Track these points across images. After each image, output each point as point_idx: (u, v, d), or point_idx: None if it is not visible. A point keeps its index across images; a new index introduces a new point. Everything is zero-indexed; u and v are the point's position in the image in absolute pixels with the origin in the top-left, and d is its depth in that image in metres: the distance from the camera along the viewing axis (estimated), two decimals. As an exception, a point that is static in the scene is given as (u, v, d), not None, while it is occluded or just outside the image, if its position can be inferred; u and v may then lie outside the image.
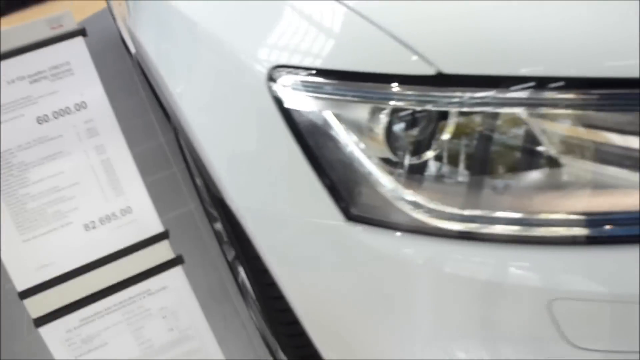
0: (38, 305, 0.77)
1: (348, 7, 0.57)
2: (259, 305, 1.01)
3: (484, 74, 0.48)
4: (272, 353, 1.10)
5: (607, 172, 0.51)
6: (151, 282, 0.82)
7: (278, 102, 0.59)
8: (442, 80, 0.50)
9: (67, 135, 0.76)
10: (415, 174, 0.55)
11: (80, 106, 0.77)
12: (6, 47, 0.75)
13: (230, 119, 0.66)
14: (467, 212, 0.53)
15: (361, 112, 0.55)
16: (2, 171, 0.74)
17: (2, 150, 0.74)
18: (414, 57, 0.50)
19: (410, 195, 0.54)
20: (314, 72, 0.56)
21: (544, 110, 0.49)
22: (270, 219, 0.64)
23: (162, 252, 0.82)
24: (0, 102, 0.74)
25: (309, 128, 0.57)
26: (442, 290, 0.54)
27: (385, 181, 0.55)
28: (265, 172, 0.63)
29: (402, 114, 0.53)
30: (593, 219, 0.50)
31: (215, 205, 0.92)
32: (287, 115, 0.59)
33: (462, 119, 0.52)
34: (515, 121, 0.51)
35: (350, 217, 0.58)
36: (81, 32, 0.78)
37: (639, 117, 0.48)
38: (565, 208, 0.51)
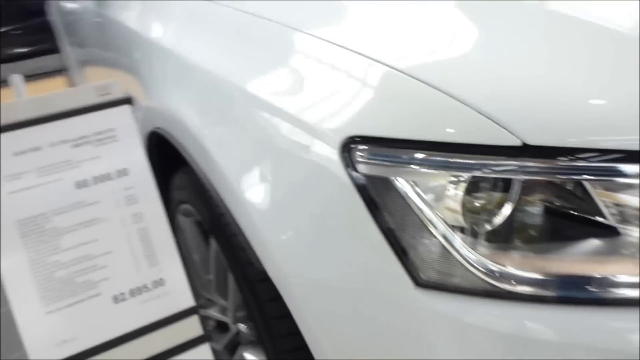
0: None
1: (419, 79, 0.61)
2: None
3: (565, 146, 0.53)
4: None
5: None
6: (177, 361, 0.76)
7: (350, 172, 0.61)
8: (524, 152, 0.54)
9: (105, 202, 0.74)
10: (491, 242, 0.57)
11: (122, 173, 0.75)
12: (53, 110, 0.74)
13: (297, 194, 0.67)
14: (537, 276, 0.56)
15: (440, 180, 0.57)
16: (33, 236, 0.70)
17: (36, 214, 0.70)
18: (501, 130, 0.54)
19: (485, 261, 0.56)
20: (388, 142, 0.59)
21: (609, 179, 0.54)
22: (332, 289, 0.64)
23: (191, 327, 0.77)
24: (38, 164, 0.72)
25: (382, 196, 0.59)
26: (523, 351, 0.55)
27: (460, 247, 0.57)
28: (332, 243, 0.63)
29: (482, 183, 0.56)
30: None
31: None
32: (359, 184, 0.60)
33: (534, 188, 0.56)
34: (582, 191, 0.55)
35: (420, 283, 0.59)
36: (128, 100, 0.78)
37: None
38: (625, 271, 0.55)
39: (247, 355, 1.01)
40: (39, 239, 0.70)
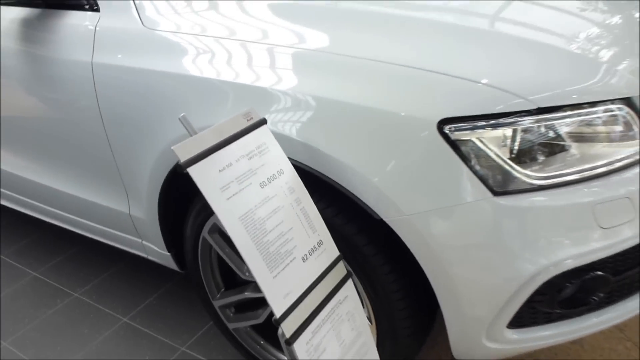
0: (289, 326, 0.97)
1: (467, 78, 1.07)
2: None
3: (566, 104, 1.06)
4: None
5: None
6: (340, 294, 1.09)
7: (446, 138, 1.04)
8: (540, 111, 1.05)
9: (279, 194, 1.02)
10: (521, 162, 1.07)
11: (280, 172, 1.04)
12: (225, 135, 0.99)
13: (402, 155, 1.07)
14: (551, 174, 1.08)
15: (498, 133, 1.05)
16: (251, 227, 0.95)
17: (246, 211, 0.96)
18: (520, 100, 1.04)
19: (525, 173, 1.06)
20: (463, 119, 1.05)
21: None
22: (441, 215, 1.06)
23: (340, 270, 1.10)
24: (235, 176, 0.97)
25: (467, 147, 1.04)
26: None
27: (512, 169, 1.05)
28: (435, 184, 1.06)
29: (518, 134, 1.06)
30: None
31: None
32: (453, 145, 1.04)
33: (548, 132, 1.08)
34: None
35: (495, 193, 1.06)
36: (264, 121, 1.06)
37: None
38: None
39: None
40: (254, 227, 0.96)
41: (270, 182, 1.02)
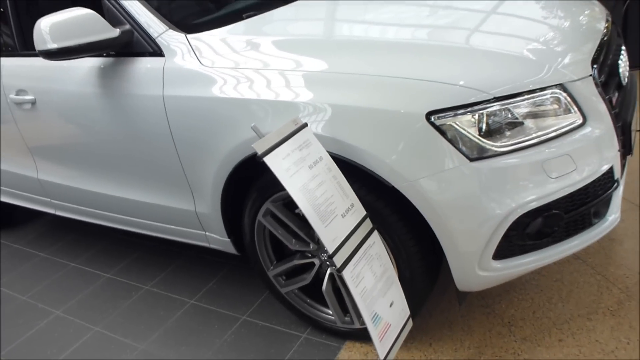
0: (338, 260, 1.42)
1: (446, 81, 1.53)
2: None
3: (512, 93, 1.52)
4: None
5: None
6: (369, 240, 1.55)
7: (432, 124, 1.50)
8: (495, 100, 1.51)
9: (321, 172, 1.49)
10: (488, 137, 1.52)
11: (320, 158, 1.51)
12: (281, 136, 1.45)
13: (404, 140, 1.53)
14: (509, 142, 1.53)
15: (468, 118, 1.50)
16: (306, 194, 1.41)
17: (302, 184, 1.42)
18: (484, 94, 1.50)
19: (489, 143, 1.52)
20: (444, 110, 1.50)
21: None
22: (435, 179, 1.51)
23: (368, 225, 1.56)
24: (292, 160, 1.43)
25: (448, 130, 1.50)
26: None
27: (479, 140, 1.51)
28: (428, 158, 1.51)
29: (484, 117, 1.52)
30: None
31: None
32: (438, 129, 1.50)
33: (506, 113, 1.53)
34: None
35: (470, 159, 1.51)
36: (306, 125, 1.53)
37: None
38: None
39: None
40: (309, 194, 1.42)
41: (315, 165, 1.48)
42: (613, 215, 1.78)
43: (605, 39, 1.90)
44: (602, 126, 1.65)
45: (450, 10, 1.99)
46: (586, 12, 2.05)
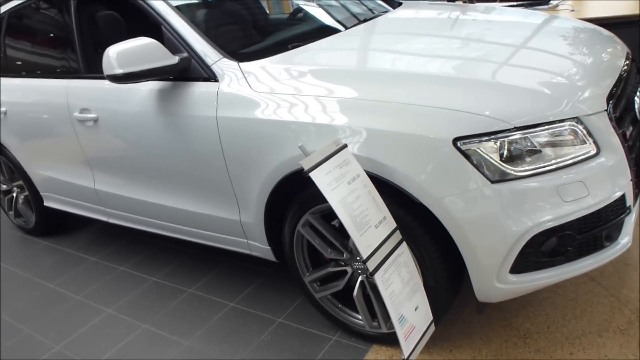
0: (371, 265, 1.62)
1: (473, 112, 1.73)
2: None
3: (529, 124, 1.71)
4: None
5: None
6: (399, 250, 1.75)
7: (458, 149, 1.70)
8: (516, 130, 1.70)
9: (358, 188, 1.70)
10: (509, 162, 1.71)
11: (357, 175, 1.72)
12: (324, 155, 1.67)
13: (432, 162, 1.73)
14: (528, 167, 1.72)
15: (491, 144, 1.70)
16: (345, 206, 1.63)
17: (341, 197, 1.63)
18: (506, 124, 1.69)
19: (509, 167, 1.71)
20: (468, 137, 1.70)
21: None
22: (459, 197, 1.71)
23: (397, 236, 1.76)
24: (333, 176, 1.65)
25: (472, 155, 1.70)
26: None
27: (501, 166, 1.70)
28: (453, 178, 1.71)
29: (505, 144, 1.71)
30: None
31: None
32: (464, 153, 1.69)
33: (525, 142, 1.72)
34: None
35: (492, 181, 1.70)
36: (345, 145, 1.75)
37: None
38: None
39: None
40: (347, 206, 1.63)
41: (353, 181, 1.69)
42: (625, 239, 1.93)
43: (624, 75, 2.07)
44: (615, 157, 1.81)
45: (482, 43, 2.20)
46: (608, 50, 2.22)
